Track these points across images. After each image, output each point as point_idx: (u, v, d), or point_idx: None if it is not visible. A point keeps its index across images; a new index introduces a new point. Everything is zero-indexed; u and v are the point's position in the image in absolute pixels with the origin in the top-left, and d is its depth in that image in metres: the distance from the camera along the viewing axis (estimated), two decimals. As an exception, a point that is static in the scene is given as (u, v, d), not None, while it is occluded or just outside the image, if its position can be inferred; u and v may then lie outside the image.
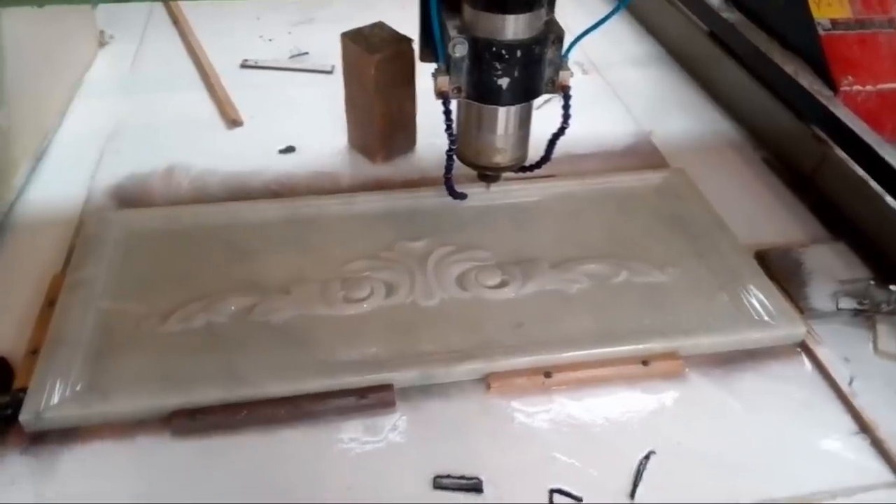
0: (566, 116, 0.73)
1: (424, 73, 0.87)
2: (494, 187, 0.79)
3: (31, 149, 0.85)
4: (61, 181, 0.84)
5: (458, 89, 0.67)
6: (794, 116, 0.88)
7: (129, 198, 0.81)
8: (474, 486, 0.55)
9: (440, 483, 0.55)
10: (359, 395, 0.60)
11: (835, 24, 0.86)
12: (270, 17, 1.20)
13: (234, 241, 0.75)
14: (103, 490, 0.54)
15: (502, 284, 0.71)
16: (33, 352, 0.62)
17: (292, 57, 1.09)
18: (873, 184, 0.78)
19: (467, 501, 0.55)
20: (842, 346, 0.67)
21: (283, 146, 0.90)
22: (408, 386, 0.62)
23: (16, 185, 0.80)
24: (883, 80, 0.85)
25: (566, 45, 0.67)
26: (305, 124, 0.94)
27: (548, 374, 0.63)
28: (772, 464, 0.58)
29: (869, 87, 0.85)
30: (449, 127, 0.71)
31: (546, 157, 0.77)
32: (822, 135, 0.84)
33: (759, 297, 0.70)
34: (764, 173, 0.90)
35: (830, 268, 0.75)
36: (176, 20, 1.17)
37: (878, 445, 0.60)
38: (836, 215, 0.82)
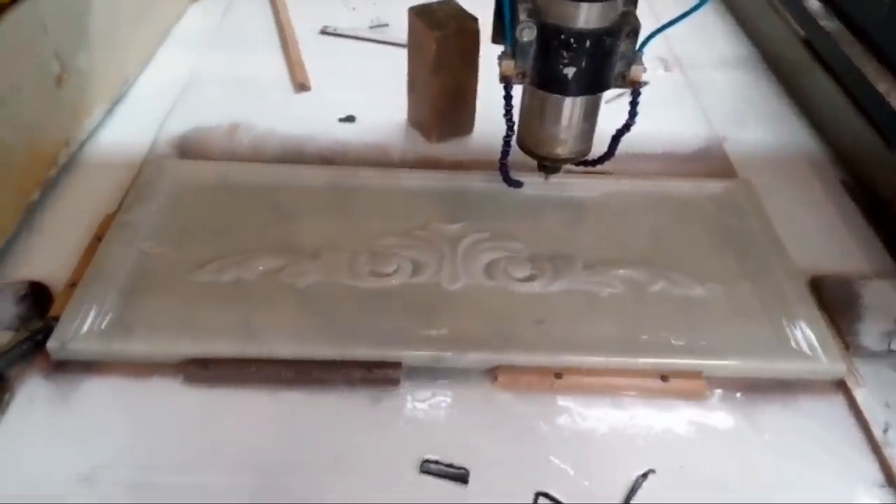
0: (633, 114, 0.71)
1: (490, 55, 0.86)
2: (538, 182, 0.78)
3: (110, 93, 0.90)
4: (132, 127, 0.88)
5: (523, 75, 0.66)
6: (881, 139, 0.81)
7: (190, 149, 0.85)
8: (460, 477, 0.55)
9: (427, 468, 0.55)
10: (366, 368, 0.60)
11: (940, 41, 0.79)
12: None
13: (278, 202, 0.76)
14: (112, 423, 0.57)
15: (530, 278, 0.69)
16: (72, 284, 0.66)
17: (372, 28, 1.10)
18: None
19: (451, 491, 0.54)
20: (884, 391, 0.62)
21: (343, 115, 0.91)
22: (416, 366, 0.62)
23: (88, 127, 0.84)
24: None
25: (641, 38, 0.64)
26: (370, 96, 0.94)
27: (558, 375, 0.62)
28: (781, 504, 0.55)
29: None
30: (508, 112, 0.70)
31: (609, 154, 0.75)
32: (908, 161, 0.77)
33: (803, 325, 0.66)
34: (839, 196, 0.84)
35: (890, 305, 0.69)
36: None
37: (904, 502, 0.55)
38: (909, 250, 0.75)
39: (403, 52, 0.90)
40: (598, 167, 0.77)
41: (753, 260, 0.73)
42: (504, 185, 0.80)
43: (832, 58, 0.90)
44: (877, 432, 0.59)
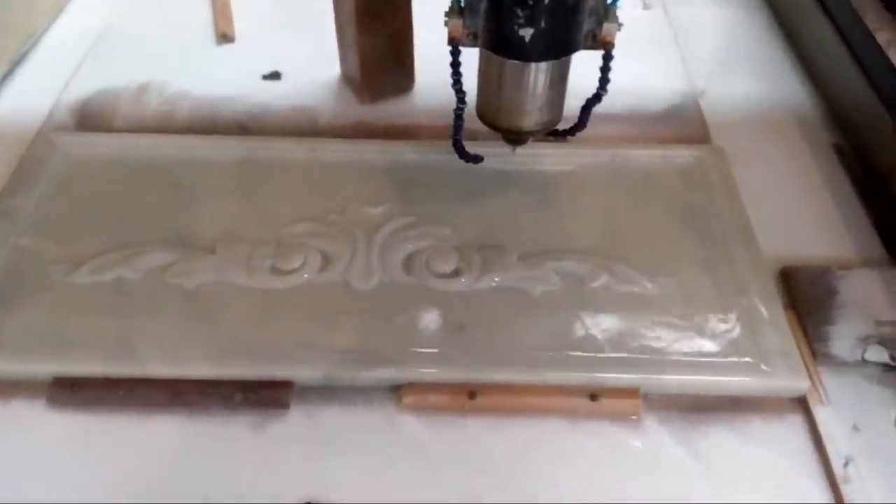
0: (604, 81, 0.60)
1: (427, 4, 0.75)
2: (482, 147, 0.68)
3: (10, 50, 0.81)
4: (33, 89, 0.79)
5: (474, 35, 0.56)
6: (878, 98, 0.69)
7: (91, 117, 0.75)
8: (347, 522, 0.48)
9: (308, 511, 0.49)
10: (249, 389, 0.53)
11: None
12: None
13: (179, 181, 0.68)
14: (-37, 453, 0.51)
15: (455, 274, 0.61)
16: (-69, 288, 0.59)
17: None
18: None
19: (333, 537, 0.48)
20: (852, 410, 0.54)
21: (268, 71, 0.81)
22: (309, 385, 0.54)
23: (-21, 91, 0.76)
24: None
25: None
26: (302, 48, 0.84)
27: (472, 395, 0.54)
28: (712, 553, 0.48)
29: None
30: (457, 81, 0.60)
31: (580, 124, 0.66)
32: (906, 128, 0.66)
33: (764, 330, 0.57)
34: (829, 163, 0.73)
35: (871, 301, 0.60)
36: None
37: (858, 553, 0.48)
38: (900, 233, 0.65)
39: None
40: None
41: (716, 247, 0.63)
42: (442, 157, 0.70)
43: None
44: (836, 464, 0.51)
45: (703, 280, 0.61)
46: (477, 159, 0.68)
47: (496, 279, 0.60)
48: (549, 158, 0.70)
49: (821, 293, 0.60)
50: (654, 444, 0.53)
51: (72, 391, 0.53)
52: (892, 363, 0.56)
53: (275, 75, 0.80)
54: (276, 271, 0.60)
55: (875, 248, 0.65)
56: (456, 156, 0.69)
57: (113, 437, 0.52)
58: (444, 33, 0.81)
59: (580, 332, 0.57)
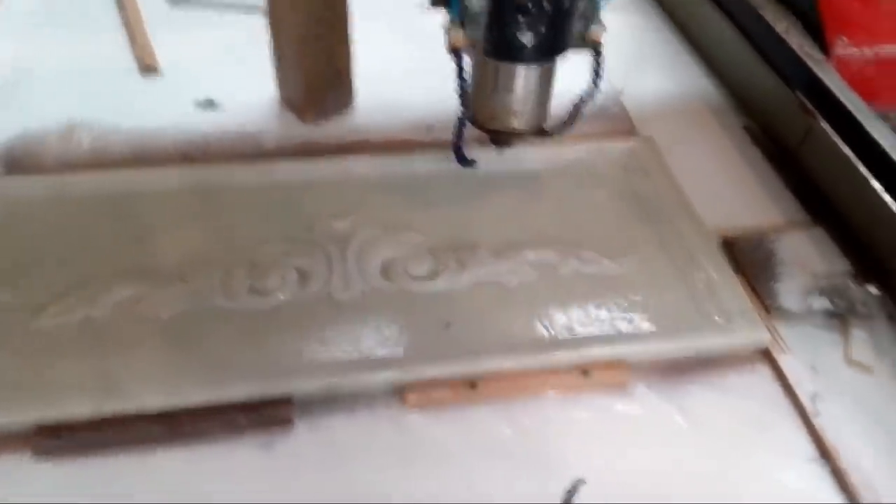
0: (596, 80, 0.64)
1: (362, 23, 0.77)
2: (432, 156, 0.70)
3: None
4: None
5: (474, 44, 0.58)
6: (782, 81, 0.77)
7: (18, 162, 0.71)
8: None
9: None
10: (251, 410, 0.52)
11: (834, -25, 0.75)
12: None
13: (130, 215, 0.66)
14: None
15: (433, 275, 0.62)
16: None
17: (228, -8, 0.97)
18: (859, 163, 0.69)
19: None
20: (810, 354, 0.60)
21: (202, 99, 0.80)
22: (310, 399, 0.54)
23: None
24: (881, 41, 0.75)
25: None
26: (233, 74, 0.83)
27: (473, 385, 0.55)
28: (714, 495, 0.51)
29: (866, 51, 0.74)
30: (463, 88, 0.62)
31: (569, 122, 0.68)
32: (809, 104, 0.74)
33: (721, 293, 0.62)
34: (744, 145, 0.80)
35: (805, 258, 0.67)
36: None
37: (837, 476, 0.53)
38: (817, 197, 0.73)
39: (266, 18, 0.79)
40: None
41: (664, 225, 0.68)
42: (394, 168, 0.72)
43: (724, -4, 0.86)
44: (805, 402, 0.56)
45: (658, 256, 0.66)
46: (471, 163, 0.70)
47: (473, 276, 0.62)
48: (498, 161, 0.73)
49: (762, 256, 0.67)
50: (645, 407, 0.56)
51: (58, 438, 0.50)
52: (833, 309, 0.63)
53: (210, 103, 0.79)
54: (255, 291, 0.60)
55: (797, 211, 0.72)
56: (406, 165, 0.72)
57: (111, 481, 0.49)
58: (381, 52, 0.84)
59: (562, 315, 0.60)
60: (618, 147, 0.76)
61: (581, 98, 0.66)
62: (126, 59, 0.85)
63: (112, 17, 0.91)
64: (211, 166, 0.71)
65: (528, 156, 0.74)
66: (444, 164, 0.72)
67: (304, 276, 0.61)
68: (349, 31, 0.74)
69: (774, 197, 0.74)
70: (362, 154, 0.74)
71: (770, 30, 0.77)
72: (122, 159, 0.72)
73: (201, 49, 0.87)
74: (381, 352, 0.56)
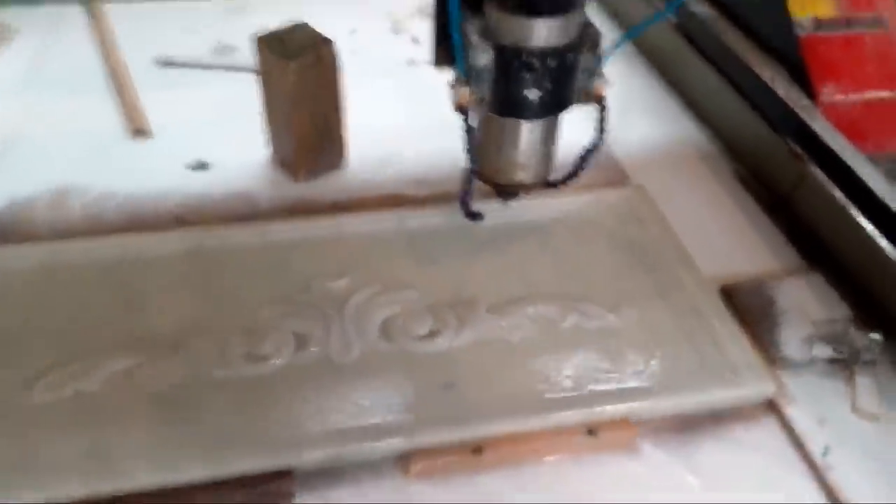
0: (601, 130, 0.65)
1: (352, 80, 0.77)
2: (427, 211, 0.71)
3: None
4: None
5: (480, 101, 0.59)
6: (771, 128, 0.78)
7: (6, 231, 0.70)
8: None
9: None
10: (249, 486, 0.51)
11: (818, 24, 0.77)
12: (198, 2, 1.08)
13: (123, 282, 0.64)
14: None
15: (433, 334, 0.62)
16: None
17: (216, 52, 0.98)
18: (852, 207, 0.69)
19: None
20: (816, 405, 0.59)
21: (194, 162, 0.79)
22: (311, 470, 0.52)
23: None
24: (868, 87, 0.76)
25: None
26: (224, 135, 0.83)
27: (478, 451, 0.54)
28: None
29: (852, 96, 0.75)
30: (471, 145, 0.62)
31: (574, 173, 0.68)
32: (799, 150, 0.75)
33: (725, 344, 0.62)
34: (736, 191, 0.81)
35: (805, 305, 0.66)
36: (92, 10, 1.04)
37: (855, 532, 0.52)
38: (813, 243, 0.73)
39: (256, 78, 0.79)
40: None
41: (663, 275, 0.68)
42: (388, 225, 0.72)
43: (708, 45, 0.87)
44: (816, 456, 0.56)
45: (660, 307, 0.65)
46: (479, 217, 0.70)
47: (473, 333, 0.62)
48: (495, 213, 0.73)
49: (762, 304, 0.66)
50: (654, 466, 0.55)
51: (51, 521, 0.49)
52: (837, 356, 0.62)
53: (202, 165, 0.79)
54: (251, 358, 0.59)
55: (793, 257, 0.72)
56: (401, 221, 0.72)
57: (107, 563, 0.48)
58: (371, 108, 0.85)
59: (565, 372, 0.59)
60: (612, 196, 0.76)
61: (586, 150, 0.66)
62: (116, 122, 0.85)
63: (100, 80, 0.91)
64: (204, 229, 0.70)
65: (524, 208, 0.74)
66: (440, 218, 0.72)
67: (301, 340, 0.60)
68: (340, 89, 0.74)
69: (770, 243, 0.74)
70: (357, 211, 0.74)
71: (756, 77, 0.78)
72: (115, 225, 0.72)
73: (192, 110, 0.87)
74: (383, 418, 0.55)
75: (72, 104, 0.87)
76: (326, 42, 0.71)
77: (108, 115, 0.86)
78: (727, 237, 0.75)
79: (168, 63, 0.95)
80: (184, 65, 0.95)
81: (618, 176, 0.82)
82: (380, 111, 0.87)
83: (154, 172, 0.78)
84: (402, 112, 0.89)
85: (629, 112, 0.93)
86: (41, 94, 0.89)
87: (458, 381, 0.58)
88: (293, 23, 0.72)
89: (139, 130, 0.83)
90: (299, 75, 0.70)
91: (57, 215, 0.72)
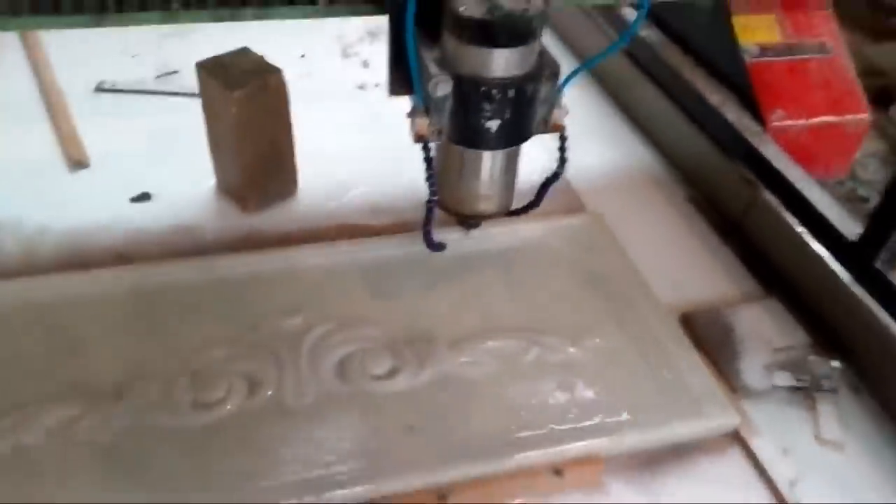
0: (562, 161, 0.63)
1: (303, 105, 0.75)
2: (383, 242, 0.68)
3: None
4: None
5: (439, 132, 0.56)
6: (722, 153, 0.79)
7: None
8: None
9: None
10: (200, 545, 0.48)
11: (763, 50, 0.78)
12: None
13: (61, 325, 0.61)
14: None
15: (392, 373, 0.59)
16: None
17: (159, 77, 0.94)
18: (804, 231, 0.70)
19: None
20: (780, 434, 0.59)
21: (136, 193, 0.76)
22: (267, 524, 0.50)
23: None
24: (815, 112, 0.77)
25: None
26: (167, 164, 0.79)
27: (443, 496, 0.52)
28: None
29: (800, 121, 0.77)
30: (431, 176, 0.60)
31: (535, 202, 0.67)
32: (751, 175, 0.75)
33: (686, 376, 0.61)
34: (690, 216, 0.81)
35: (764, 332, 0.67)
36: (25, 36, 0.99)
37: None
38: (768, 267, 0.73)
39: (200, 103, 0.77)
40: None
41: (622, 304, 0.67)
42: (342, 257, 0.69)
43: (659, 72, 0.88)
44: (783, 486, 0.55)
45: (620, 338, 0.64)
46: (441, 247, 0.67)
47: (434, 371, 0.60)
48: (454, 242, 0.71)
49: (720, 332, 0.66)
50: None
51: None
52: (797, 384, 0.62)
53: (144, 196, 0.75)
54: (199, 405, 0.55)
55: (749, 283, 0.73)
56: (356, 253, 0.70)
57: None
58: (322, 135, 0.82)
59: (528, 410, 0.57)
60: (569, 224, 0.76)
61: (547, 179, 0.65)
62: (53, 152, 0.80)
63: (37, 108, 0.87)
64: (147, 266, 0.67)
65: (481, 237, 0.72)
66: (396, 248, 0.70)
67: (252, 383, 0.57)
68: (289, 117, 0.72)
69: (725, 268, 0.74)
70: (310, 243, 0.71)
71: (705, 103, 0.78)
72: (51, 262, 0.67)
73: (133, 138, 0.83)
74: (342, 466, 0.52)
75: (6, 133, 0.82)
76: (272, 69, 0.68)
77: (44, 145, 0.81)
78: (683, 263, 0.75)
79: (107, 89, 0.91)
80: (123, 90, 0.91)
81: (574, 202, 0.81)
82: (332, 137, 0.85)
83: (93, 205, 0.74)
84: (355, 138, 0.87)
85: (582, 137, 0.91)
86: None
87: (419, 422, 0.56)
88: (237, 49, 0.70)
89: (77, 161, 0.79)
90: (243, 105, 0.67)
91: (-13, 254, 0.68)
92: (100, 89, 0.91)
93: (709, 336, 0.66)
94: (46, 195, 0.75)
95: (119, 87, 0.91)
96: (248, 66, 0.68)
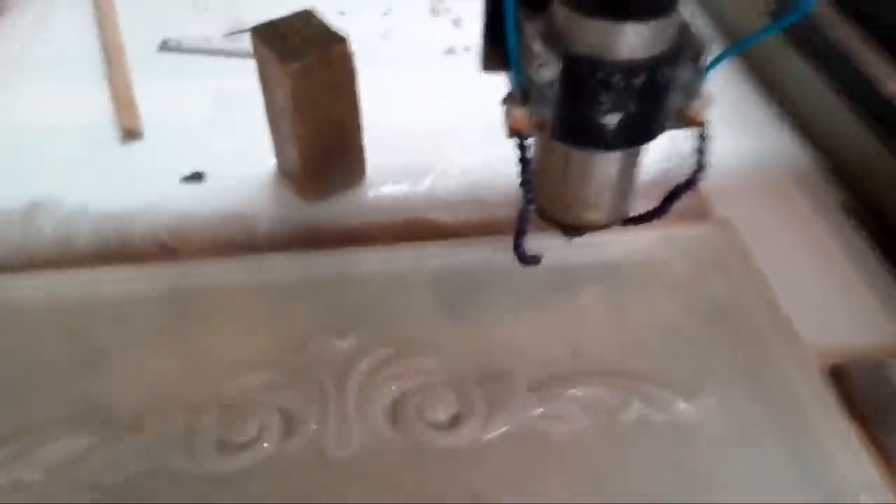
0: (700, 165, 0.50)
1: (381, 72, 0.64)
2: (462, 246, 0.58)
3: None
4: None
5: (541, 126, 0.45)
6: (890, 150, 0.62)
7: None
8: None
9: None
10: None
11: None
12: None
13: (86, 330, 0.53)
14: None
15: (456, 421, 0.49)
16: None
17: (228, 35, 0.85)
18: None
19: None
20: (960, 548, 0.45)
21: (188, 171, 0.67)
22: None
23: None
24: None
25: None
26: (227, 138, 0.70)
27: None
28: None
29: None
30: (526, 179, 0.48)
31: (661, 210, 0.54)
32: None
33: (835, 455, 0.47)
34: (843, 227, 0.65)
35: (942, 398, 0.51)
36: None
37: None
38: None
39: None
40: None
41: (751, 348, 0.53)
42: (411, 263, 0.59)
43: (816, 43, 0.70)
44: None
45: (747, 394, 0.51)
46: (535, 261, 0.55)
47: (506, 422, 0.49)
48: (545, 250, 0.59)
49: (883, 395, 0.51)
50: None
51: None
52: None
53: (197, 176, 0.67)
54: (224, 446, 0.47)
55: (922, 326, 0.57)
56: (428, 260, 0.59)
57: None
58: (400, 111, 0.71)
59: (623, 486, 0.46)
60: (689, 235, 0.62)
61: (678, 186, 0.52)
62: (106, 120, 0.73)
63: (95, 67, 0.80)
64: (189, 264, 0.58)
65: (577, 248, 0.60)
66: (476, 255, 0.59)
67: (288, 422, 0.48)
68: (356, 86, 0.61)
69: (892, 303, 0.59)
70: (374, 243, 0.61)
71: (877, 88, 0.61)
72: (89, 251, 0.60)
73: (191, 105, 0.75)
74: (384, 543, 0.43)
75: (58, 97, 0.76)
76: (336, 36, 0.57)
77: (97, 112, 0.74)
78: (833, 293, 0.59)
79: (172, 47, 0.83)
80: (190, 50, 0.83)
81: (698, 206, 0.66)
82: (410, 113, 0.73)
83: (140, 183, 0.66)
84: (437, 114, 0.75)
85: (715, 121, 0.77)
86: (25, 85, 0.77)
87: (484, 491, 0.45)
88: (298, 11, 0.59)
89: (130, 131, 0.71)
90: (300, 79, 0.56)
91: (25, 236, 0.61)
92: (164, 48, 0.83)
93: (866, 399, 0.51)
94: (91, 171, 0.67)
95: (185, 46, 0.83)
96: (309, 34, 0.57)
